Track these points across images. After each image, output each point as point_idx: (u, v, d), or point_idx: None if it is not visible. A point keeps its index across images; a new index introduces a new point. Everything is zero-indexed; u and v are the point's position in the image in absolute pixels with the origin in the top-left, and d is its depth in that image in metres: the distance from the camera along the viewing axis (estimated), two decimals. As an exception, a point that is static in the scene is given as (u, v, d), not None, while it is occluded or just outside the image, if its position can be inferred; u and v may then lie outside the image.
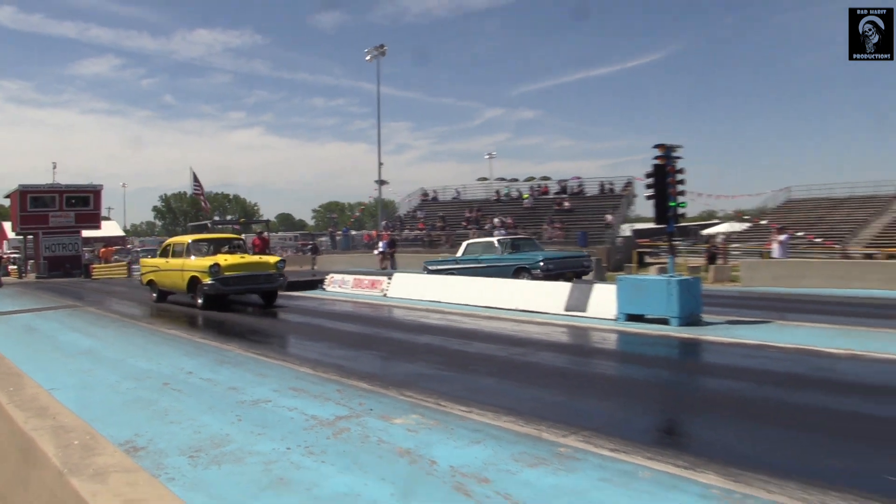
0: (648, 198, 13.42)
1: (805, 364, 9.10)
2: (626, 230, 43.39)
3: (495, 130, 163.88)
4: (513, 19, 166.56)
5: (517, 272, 19.39)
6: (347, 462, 5.01)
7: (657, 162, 13.06)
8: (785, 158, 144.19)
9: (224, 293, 16.45)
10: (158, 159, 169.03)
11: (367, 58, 42.37)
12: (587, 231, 35.84)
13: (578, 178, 47.12)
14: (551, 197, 46.00)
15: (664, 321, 12.07)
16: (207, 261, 16.57)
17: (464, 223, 44.19)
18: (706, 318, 12.54)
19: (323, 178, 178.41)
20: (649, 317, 12.47)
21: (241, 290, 17.03)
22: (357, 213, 71.70)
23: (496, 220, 41.98)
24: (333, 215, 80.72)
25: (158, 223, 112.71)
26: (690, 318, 12.07)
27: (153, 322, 15.02)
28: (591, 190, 45.47)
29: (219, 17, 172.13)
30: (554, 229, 38.23)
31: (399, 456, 5.12)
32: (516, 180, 51.80)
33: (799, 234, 35.29)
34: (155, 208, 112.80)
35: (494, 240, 21.49)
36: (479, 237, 23.73)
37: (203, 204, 36.19)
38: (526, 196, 47.18)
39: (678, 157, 13.14)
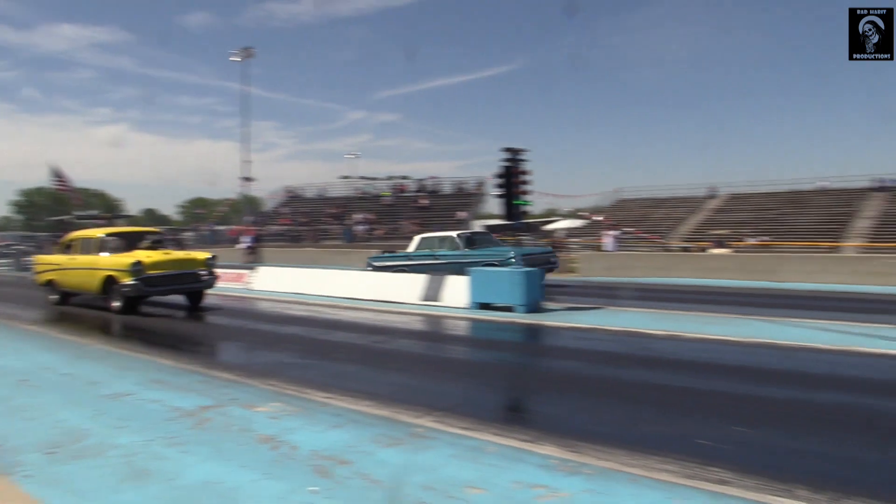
0: (497, 196, 13.80)
1: (631, 344, 9.61)
2: (477, 226, 44.29)
3: (358, 132, 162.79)
4: (375, 28, 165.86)
5: None
6: (210, 451, 4.82)
7: (505, 164, 13.45)
8: (617, 162, 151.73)
9: (147, 294, 13.57)
10: (17, 153, 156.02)
11: (236, 59, 40.78)
12: (443, 227, 36.30)
13: (435, 177, 47.79)
14: (409, 195, 46.35)
15: (510, 309, 12.44)
16: (127, 258, 13.54)
17: (327, 219, 43.74)
18: (548, 305, 13.00)
19: (189, 174, 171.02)
20: (497, 305, 12.80)
21: (166, 290, 14.09)
22: (223, 209, 69.12)
23: (358, 215, 41.82)
24: (200, 210, 77.42)
25: (18, 217, 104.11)
26: (534, 306, 12.48)
27: (10, 318, 13.84)
28: (447, 189, 46.19)
29: (84, 12, 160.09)
30: (412, 225, 38.48)
31: (261, 443, 4.98)
32: (376, 179, 51.77)
33: (628, 229, 37.28)
34: (14, 203, 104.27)
35: (454, 234, 18.60)
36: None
37: (73, 199, 33.61)
38: (386, 194, 47.29)
39: (524, 160, 13.57)
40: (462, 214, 40.12)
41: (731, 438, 5.12)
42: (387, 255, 20.26)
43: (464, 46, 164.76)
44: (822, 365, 8.08)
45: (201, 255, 15.05)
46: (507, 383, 7.84)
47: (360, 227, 40.30)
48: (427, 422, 5.49)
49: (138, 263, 13.24)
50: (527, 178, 13.47)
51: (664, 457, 4.56)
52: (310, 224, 43.04)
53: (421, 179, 48.23)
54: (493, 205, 20.25)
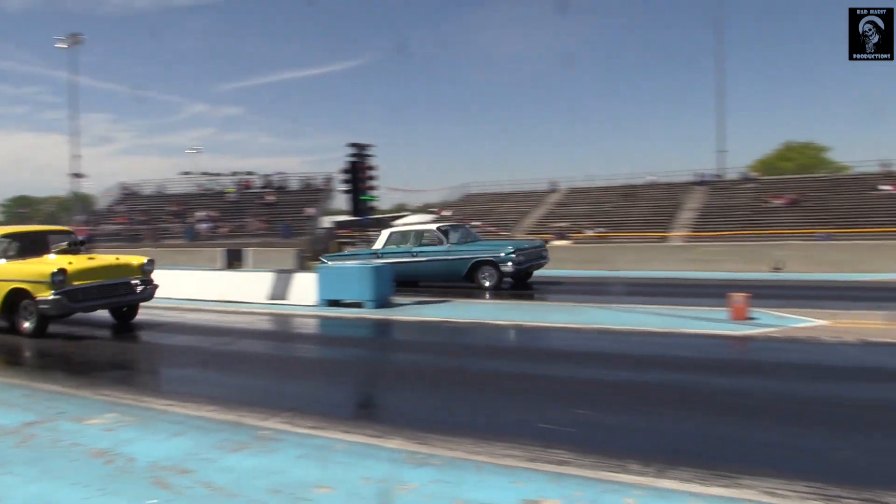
0: (344, 192, 13.75)
1: (478, 335, 9.90)
2: (326, 222, 43.84)
3: (200, 125, 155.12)
4: (217, 18, 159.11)
5: (476, 267, 15.29)
6: (36, 471, 4.46)
7: (351, 159, 13.41)
8: (464, 157, 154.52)
9: (71, 312, 10.51)
10: None
11: (62, 45, 37.94)
12: (290, 224, 35.71)
13: (282, 173, 46.75)
14: (255, 191, 45.07)
15: (360, 305, 12.42)
16: (44, 265, 10.49)
17: (167, 217, 41.76)
18: (397, 300, 13.10)
19: (11, 170, 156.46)
20: (347, 301, 12.74)
21: (94, 305, 10.92)
22: (50, 208, 64.20)
23: (201, 213, 40.24)
24: (23, 209, 71.50)
25: None
26: (383, 301, 12.53)
27: None
28: (294, 185, 45.35)
29: None
30: (258, 222, 37.53)
31: (94, 457, 4.67)
32: (219, 175, 49.90)
33: (476, 223, 38.20)
34: None
35: (434, 226, 16.48)
36: (390, 228, 17.34)
37: None
38: (230, 190, 45.72)
39: (370, 156, 13.60)
40: (310, 211, 39.56)
41: (571, 421, 5.40)
42: (346, 252, 18.20)
43: (311, 40, 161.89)
44: (653, 347, 8.70)
45: (135, 259, 11.84)
46: (356, 379, 7.84)
47: (203, 226, 38.75)
48: (274, 423, 5.38)
49: (62, 272, 10.17)
50: (373, 173, 13.53)
51: (509, 442, 4.73)
52: (149, 222, 40.84)
53: (267, 175, 47.07)
54: (342, 200, 19.98)
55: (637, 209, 39.64)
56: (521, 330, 10.05)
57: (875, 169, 37.85)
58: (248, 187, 46.04)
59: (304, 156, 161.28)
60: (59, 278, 10.10)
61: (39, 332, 10.44)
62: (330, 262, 16.83)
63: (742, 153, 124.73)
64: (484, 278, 15.29)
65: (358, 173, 13.26)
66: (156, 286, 11.83)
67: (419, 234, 16.38)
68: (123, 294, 11.24)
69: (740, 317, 9.74)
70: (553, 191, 46.15)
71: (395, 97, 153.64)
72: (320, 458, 4.52)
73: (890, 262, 18.71)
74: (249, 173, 48.22)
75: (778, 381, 6.78)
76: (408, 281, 15.95)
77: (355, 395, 7.17)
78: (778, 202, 35.48)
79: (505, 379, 7.20)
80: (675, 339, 9.03)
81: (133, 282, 11.31)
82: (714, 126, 57.92)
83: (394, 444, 4.79)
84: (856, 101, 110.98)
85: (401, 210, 66.43)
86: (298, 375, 7.86)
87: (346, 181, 13.40)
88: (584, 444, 4.67)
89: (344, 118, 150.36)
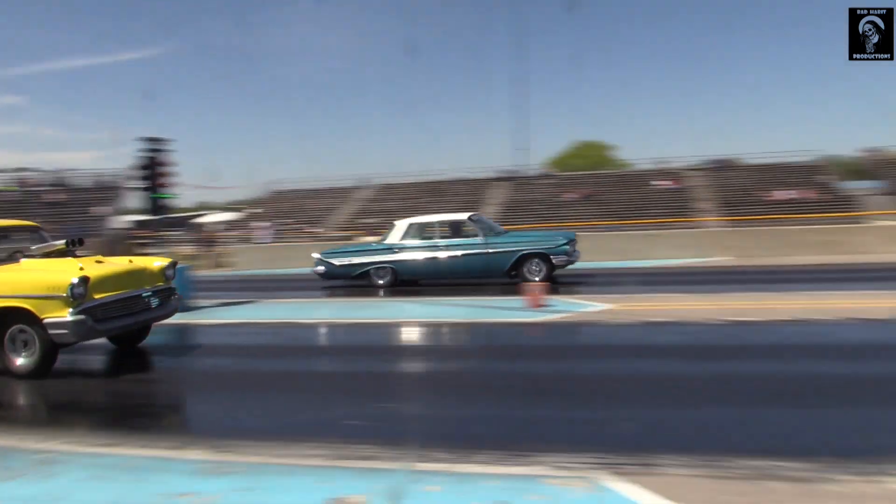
0: (141, 189, 12.93)
1: (284, 335, 9.70)
2: (121, 221, 40.98)
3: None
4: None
5: (523, 261, 13.63)
6: None
7: (147, 155, 12.63)
8: (272, 154, 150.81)
9: (93, 336, 7.44)
10: None
11: None
12: (79, 224, 33.14)
13: (70, 169, 43.18)
14: (39, 189, 41.26)
15: (158, 309, 11.73)
16: (51, 273, 7.20)
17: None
18: (199, 302, 12.50)
19: None
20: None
21: (117, 326, 7.62)
22: None
23: (-28, 214, 36.15)
24: None
25: None
26: (182, 305, 11.87)
27: None
28: (85, 182, 42.04)
29: None
30: (43, 222, 34.38)
31: None
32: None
33: (286, 221, 37.44)
34: None
35: (465, 216, 14.65)
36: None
37: None
38: (11, 188, 41.50)
39: (168, 151, 12.87)
40: (102, 210, 36.86)
41: (377, 415, 5.43)
42: (351, 248, 15.69)
43: (102, 25, 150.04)
44: (456, 337, 9.04)
45: (153, 262, 8.54)
46: (153, 390, 7.32)
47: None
48: (56, 445, 4.91)
49: (83, 282, 7.02)
50: (171, 170, 12.81)
51: (316, 442, 4.66)
52: None
53: (54, 172, 43.27)
54: (137, 198, 18.60)
55: (445, 204, 40.73)
56: (327, 327, 10.03)
57: (651, 166, 41.80)
58: (30, 185, 42.06)
59: (97, 150, 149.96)
60: (79, 291, 6.97)
61: (43, 369, 7.22)
62: (336, 261, 15.14)
63: (543, 150, 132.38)
64: (532, 273, 13.67)
65: (154, 169, 12.49)
66: (179, 297, 9.18)
67: (448, 225, 14.60)
68: (144, 309, 8.07)
69: (535, 305, 10.29)
70: (363, 187, 46.30)
71: (197, 90, 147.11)
72: (111, 478, 4.20)
73: (665, 250, 20.92)
74: (32, 169, 44.19)
75: (569, 363, 7.26)
76: (413, 279, 14.80)
77: (152, 407, 6.72)
78: (571, 197, 38.01)
79: (310, 378, 7.12)
80: (477, 328, 9.42)
81: (145, 294, 8.09)
82: (515, 125, 60.85)
83: (194, 454, 4.56)
84: (638, 101, 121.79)
85: (203, 208, 63.79)
86: (89, 389, 7.25)
87: (142, 178, 12.58)
88: (391, 438, 4.71)
89: (141, 111, 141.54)
